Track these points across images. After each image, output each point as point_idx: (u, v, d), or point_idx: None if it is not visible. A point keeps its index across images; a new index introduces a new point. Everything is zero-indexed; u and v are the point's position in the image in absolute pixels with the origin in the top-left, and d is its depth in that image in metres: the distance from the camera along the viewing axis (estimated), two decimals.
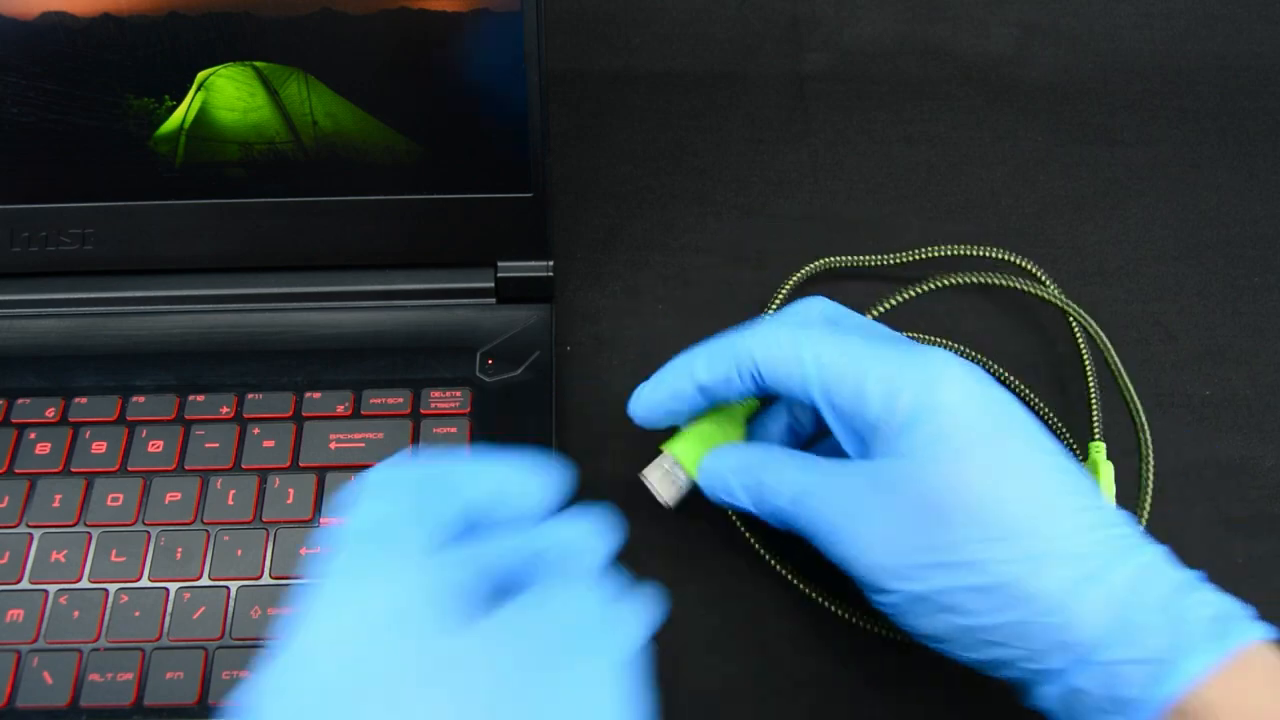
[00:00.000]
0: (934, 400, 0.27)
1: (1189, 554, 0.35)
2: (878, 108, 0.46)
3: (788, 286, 0.39)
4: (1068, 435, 0.37)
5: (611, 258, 0.41)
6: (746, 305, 0.40)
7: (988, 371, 0.35)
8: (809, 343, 0.29)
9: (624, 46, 0.47)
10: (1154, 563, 0.26)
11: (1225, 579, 0.34)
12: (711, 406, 0.31)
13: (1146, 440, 0.34)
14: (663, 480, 0.32)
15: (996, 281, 0.37)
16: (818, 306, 0.31)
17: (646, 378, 0.31)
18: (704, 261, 0.41)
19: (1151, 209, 0.43)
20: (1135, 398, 0.35)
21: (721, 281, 0.40)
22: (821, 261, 0.39)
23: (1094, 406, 0.36)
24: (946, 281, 0.38)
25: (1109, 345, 0.36)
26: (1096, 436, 0.35)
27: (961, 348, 0.39)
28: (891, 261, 0.39)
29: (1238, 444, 0.37)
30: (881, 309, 0.39)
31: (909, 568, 0.27)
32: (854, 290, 0.40)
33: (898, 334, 0.31)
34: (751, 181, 0.43)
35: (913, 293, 0.38)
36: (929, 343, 0.38)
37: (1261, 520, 0.36)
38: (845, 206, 0.43)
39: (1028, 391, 0.38)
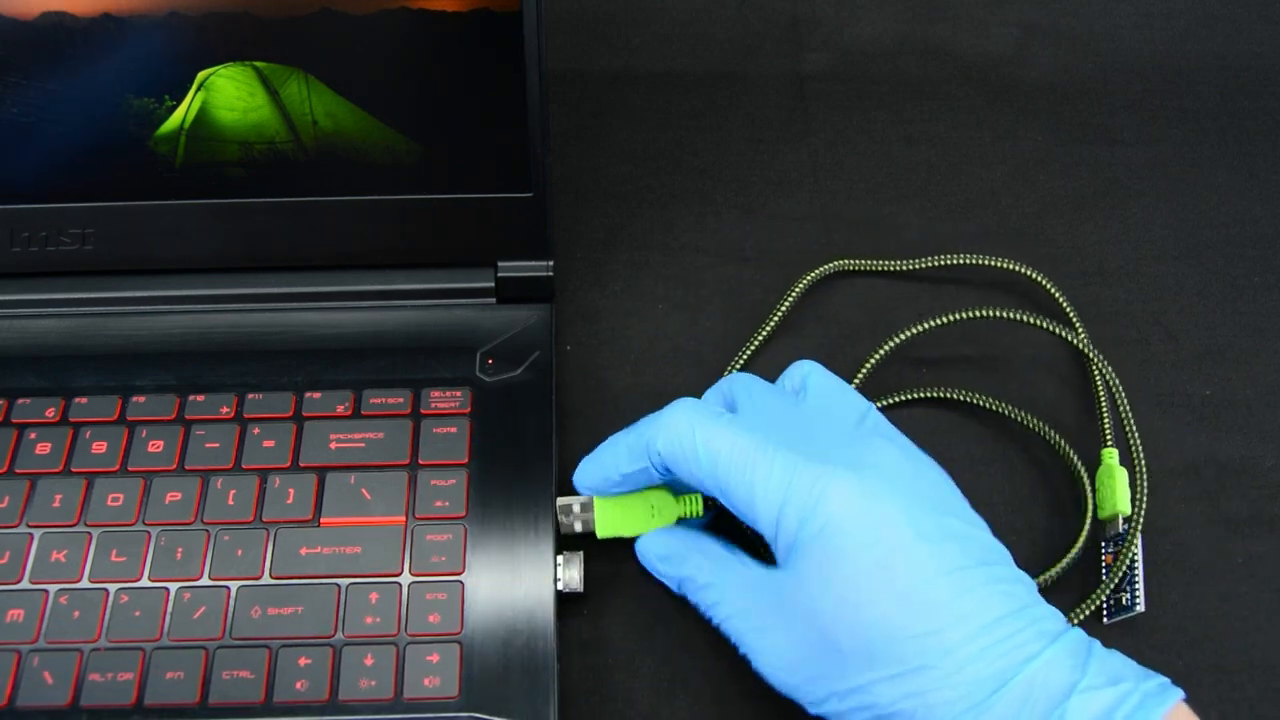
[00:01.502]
0: (817, 528, 0.27)
1: (1189, 555, 0.35)
2: (878, 107, 0.46)
3: (800, 286, 0.39)
4: (1065, 449, 0.37)
5: (612, 257, 0.41)
6: (747, 304, 0.40)
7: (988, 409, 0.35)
8: (704, 442, 0.29)
9: (624, 46, 0.47)
10: (1038, 675, 0.25)
11: (1225, 579, 0.34)
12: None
13: (1138, 448, 0.34)
14: (564, 515, 0.33)
15: (1005, 315, 0.36)
16: (740, 387, 0.32)
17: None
18: (704, 261, 0.41)
19: (1151, 209, 0.43)
20: (1128, 407, 0.35)
21: (722, 281, 0.40)
22: (836, 263, 0.39)
23: (1103, 413, 0.36)
24: (963, 314, 0.36)
25: (1109, 369, 0.36)
26: (1109, 443, 0.35)
27: (947, 393, 0.38)
28: (905, 268, 0.39)
29: (1238, 444, 0.37)
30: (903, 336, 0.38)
31: (808, 691, 0.27)
32: (865, 290, 0.40)
33: (830, 417, 0.30)
34: (751, 181, 0.43)
35: (933, 323, 0.36)
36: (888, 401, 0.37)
37: (1261, 520, 0.36)
38: (845, 206, 0.43)
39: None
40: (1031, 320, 0.35)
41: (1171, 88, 0.47)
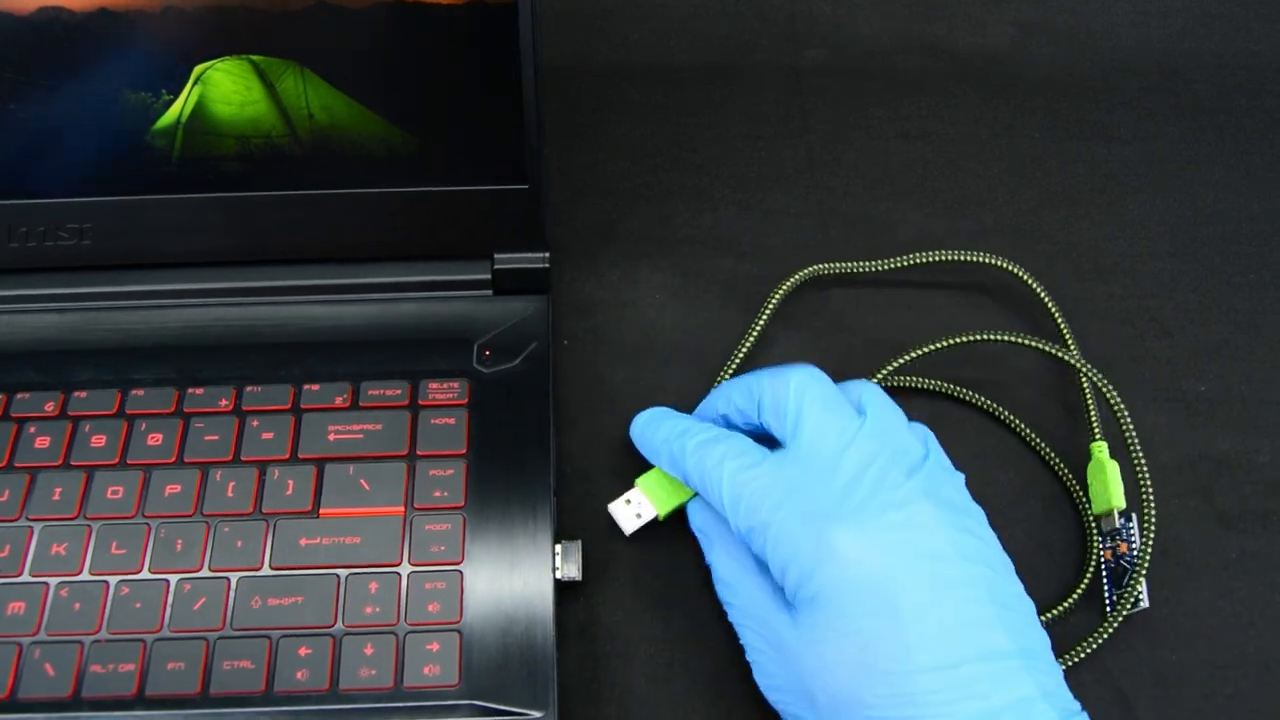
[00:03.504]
0: (815, 589, 0.27)
1: (1182, 549, 0.35)
2: (875, 104, 0.46)
3: (776, 296, 0.38)
4: (1056, 459, 0.37)
5: (609, 251, 0.41)
6: (743, 297, 0.40)
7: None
8: (730, 476, 0.29)
9: (622, 42, 0.48)
10: None
11: (1220, 575, 0.35)
12: None
13: (1137, 447, 0.34)
14: (624, 512, 0.33)
15: (995, 338, 0.36)
16: (798, 392, 0.30)
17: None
18: (701, 254, 0.41)
19: (1148, 205, 0.43)
20: (1122, 406, 0.35)
21: (719, 274, 0.41)
22: (810, 269, 0.39)
23: (1090, 407, 0.36)
24: (963, 339, 0.36)
25: (1102, 380, 0.35)
26: (1097, 436, 0.36)
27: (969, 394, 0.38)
28: (881, 268, 0.39)
29: (1232, 439, 0.37)
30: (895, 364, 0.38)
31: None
32: (843, 296, 0.40)
33: (876, 450, 0.29)
34: (749, 177, 0.44)
35: (926, 348, 0.36)
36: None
37: (1256, 516, 0.36)
38: (842, 202, 0.43)
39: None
40: (1025, 341, 0.35)
41: (1168, 85, 0.47)
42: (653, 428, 0.33)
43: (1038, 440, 0.36)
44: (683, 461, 0.31)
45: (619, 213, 0.42)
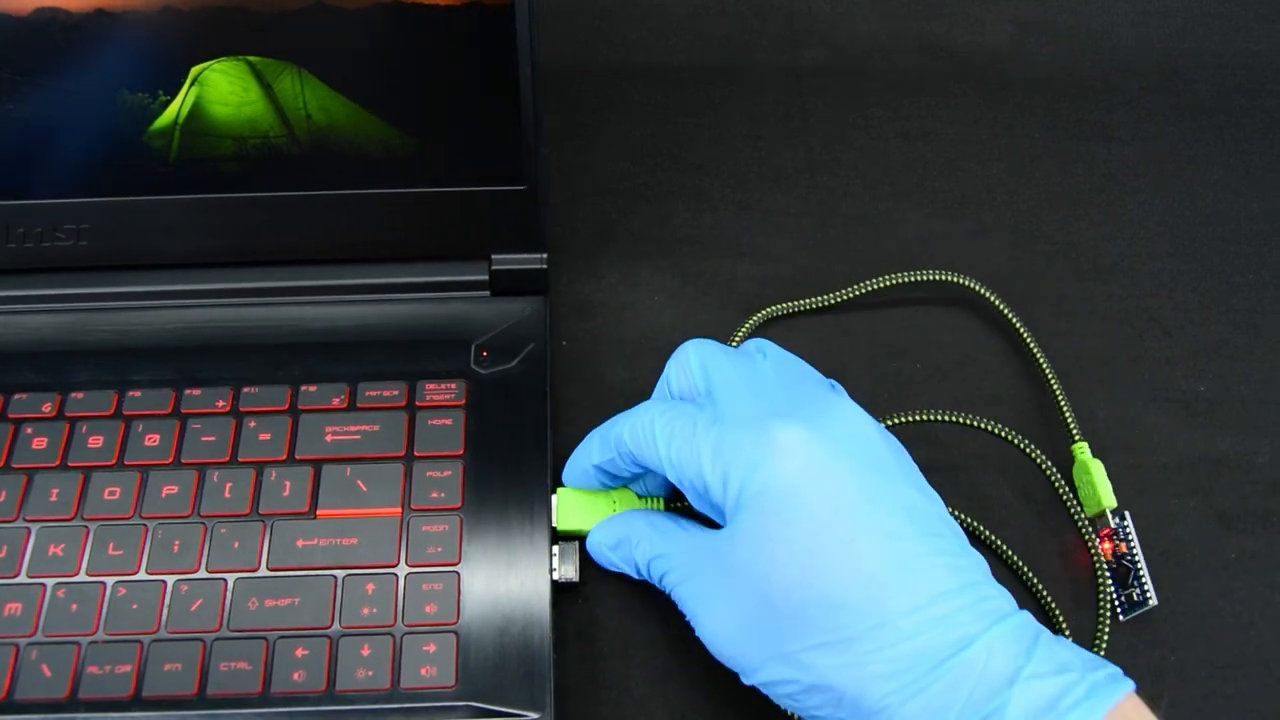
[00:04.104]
0: (761, 483, 0.26)
1: (1183, 550, 0.35)
2: (874, 104, 0.46)
3: (737, 339, 0.38)
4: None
5: (608, 252, 0.41)
6: (741, 298, 0.40)
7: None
8: (662, 422, 0.29)
9: (621, 42, 0.48)
10: (978, 658, 0.24)
11: (1219, 575, 0.34)
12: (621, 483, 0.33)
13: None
14: None
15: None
16: (702, 358, 0.31)
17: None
18: (700, 255, 0.41)
19: (1147, 205, 0.43)
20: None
21: (717, 274, 0.41)
22: (765, 311, 0.38)
23: (1064, 410, 0.36)
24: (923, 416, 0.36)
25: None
26: (1077, 438, 0.35)
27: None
28: (836, 300, 0.39)
29: (1232, 439, 0.37)
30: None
31: (744, 657, 0.27)
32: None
33: (791, 377, 0.30)
34: (748, 177, 0.43)
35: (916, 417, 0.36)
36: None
37: (1255, 516, 0.36)
38: (842, 202, 0.43)
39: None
40: (995, 430, 0.35)
41: (1168, 85, 0.47)
42: (578, 448, 0.33)
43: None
44: (613, 425, 0.31)
45: (618, 213, 0.42)
